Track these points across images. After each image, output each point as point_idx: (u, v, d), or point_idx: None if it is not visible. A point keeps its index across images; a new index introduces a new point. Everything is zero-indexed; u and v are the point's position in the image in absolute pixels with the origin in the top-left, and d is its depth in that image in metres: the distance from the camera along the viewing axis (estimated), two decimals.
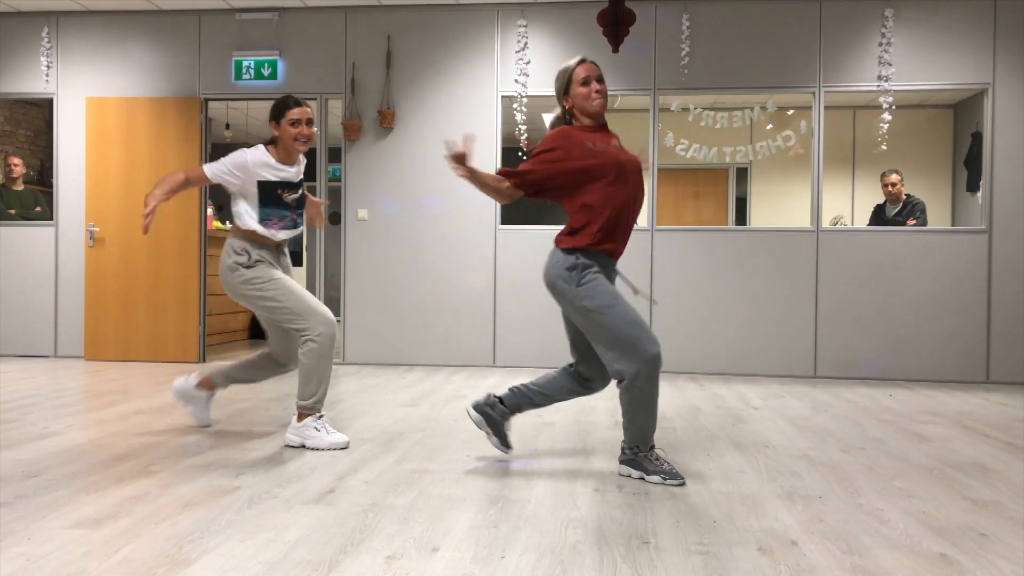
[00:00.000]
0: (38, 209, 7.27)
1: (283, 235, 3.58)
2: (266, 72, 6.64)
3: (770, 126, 7.70)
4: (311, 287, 12.29)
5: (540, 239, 6.43)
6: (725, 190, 9.61)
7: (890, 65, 6.10)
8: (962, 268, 6.06)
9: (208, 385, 3.81)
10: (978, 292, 6.03)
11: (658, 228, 6.36)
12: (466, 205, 6.48)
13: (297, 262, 12.75)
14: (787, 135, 6.38)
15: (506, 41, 6.47)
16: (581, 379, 3.20)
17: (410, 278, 6.54)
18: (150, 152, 6.65)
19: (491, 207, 6.44)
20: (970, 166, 8.03)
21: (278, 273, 3.53)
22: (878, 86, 6.13)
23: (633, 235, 6.38)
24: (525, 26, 6.42)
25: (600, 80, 3.05)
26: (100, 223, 6.65)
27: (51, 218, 7.00)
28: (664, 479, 2.92)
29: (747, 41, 6.26)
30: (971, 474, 3.15)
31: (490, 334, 6.45)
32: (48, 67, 6.84)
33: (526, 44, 6.42)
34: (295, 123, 3.46)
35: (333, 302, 6.90)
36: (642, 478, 2.98)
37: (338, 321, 6.70)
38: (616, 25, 5.08)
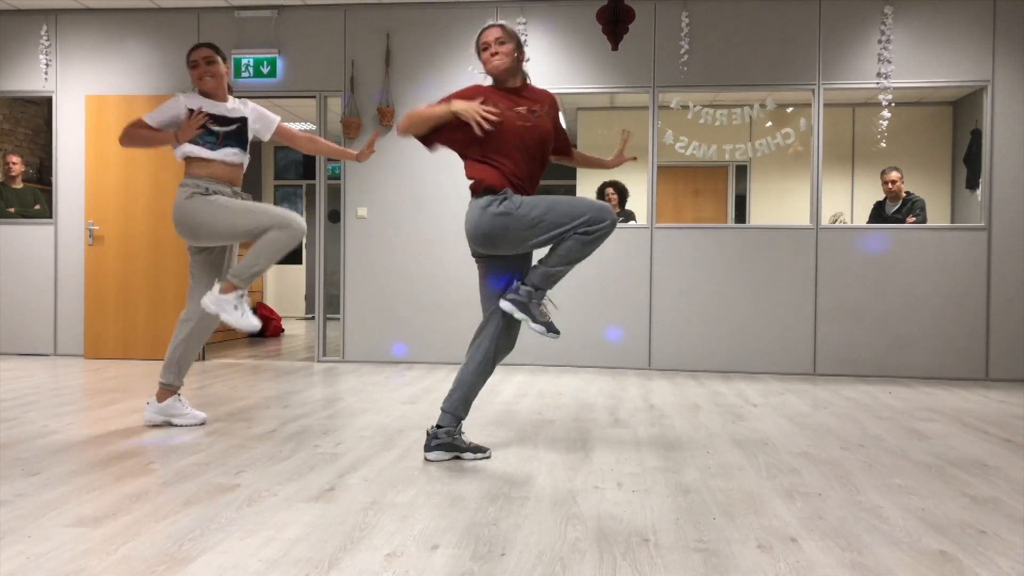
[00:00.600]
0: (37, 207, 7.27)
1: (196, 151, 3.74)
2: (265, 70, 6.63)
3: (769, 124, 7.70)
4: (310, 285, 12.31)
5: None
6: (725, 188, 9.60)
7: (890, 62, 6.10)
8: (961, 266, 6.06)
9: (165, 393, 3.85)
10: (977, 289, 6.03)
11: (657, 226, 6.35)
12: (466, 202, 6.47)
13: (296, 260, 12.76)
14: (786, 132, 6.38)
15: None
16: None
17: (410, 275, 6.54)
18: (149, 150, 6.63)
19: None
20: (969, 163, 8.03)
21: (223, 196, 3.75)
22: (877, 83, 6.13)
23: (633, 232, 6.38)
24: (524, 23, 6.42)
25: (500, 42, 3.26)
26: (99, 221, 6.65)
27: (50, 216, 7.00)
28: (545, 331, 3.16)
29: (746, 38, 6.26)
30: (970, 471, 3.15)
31: None
32: (47, 65, 6.83)
33: (525, 41, 6.41)
34: (194, 65, 3.78)
35: (333, 300, 6.90)
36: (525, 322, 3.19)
37: (338, 319, 6.72)
38: (615, 23, 5.08)
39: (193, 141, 3.74)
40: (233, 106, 3.91)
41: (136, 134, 3.69)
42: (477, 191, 3.20)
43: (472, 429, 3.86)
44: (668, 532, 2.35)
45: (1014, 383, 5.87)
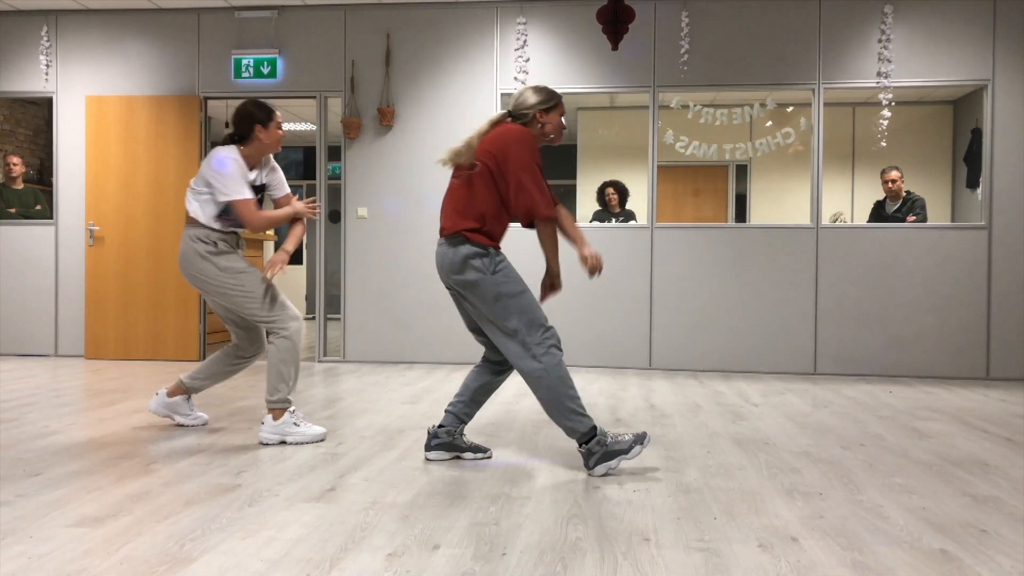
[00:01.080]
0: (38, 208, 7.27)
1: (231, 227, 3.63)
2: (265, 70, 6.64)
3: (770, 123, 7.70)
4: (311, 285, 12.31)
5: (535, 236, 6.41)
6: (725, 187, 9.60)
7: (890, 62, 6.10)
8: (962, 264, 6.06)
9: (178, 390, 3.83)
10: (978, 288, 6.03)
11: (658, 225, 6.35)
12: None
13: (297, 260, 12.75)
14: (787, 132, 6.38)
15: (506, 38, 6.47)
16: (492, 364, 3.26)
17: (410, 275, 6.54)
18: (149, 150, 6.64)
19: None
20: (970, 162, 8.02)
21: (249, 264, 3.61)
22: (878, 83, 6.13)
23: (633, 232, 6.38)
24: (524, 23, 6.42)
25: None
26: (100, 222, 6.65)
27: (51, 217, 7.00)
28: (631, 449, 3.02)
29: (746, 38, 6.26)
30: (971, 470, 3.15)
31: None
32: (47, 66, 6.83)
33: (525, 42, 6.42)
34: (280, 126, 3.65)
35: (333, 300, 6.90)
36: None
37: (338, 319, 6.72)
38: (615, 23, 5.08)
39: (223, 214, 3.56)
40: (259, 173, 3.69)
41: (268, 218, 3.55)
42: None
43: (472, 429, 3.86)
44: (669, 532, 2.35)
45: (1015, 382, 5.87)
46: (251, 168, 3.61)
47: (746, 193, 9.37)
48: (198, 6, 6.65)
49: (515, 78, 6.42)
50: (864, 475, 3.06)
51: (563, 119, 3.17)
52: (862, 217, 8.57)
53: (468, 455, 3.24)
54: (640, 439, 3.03)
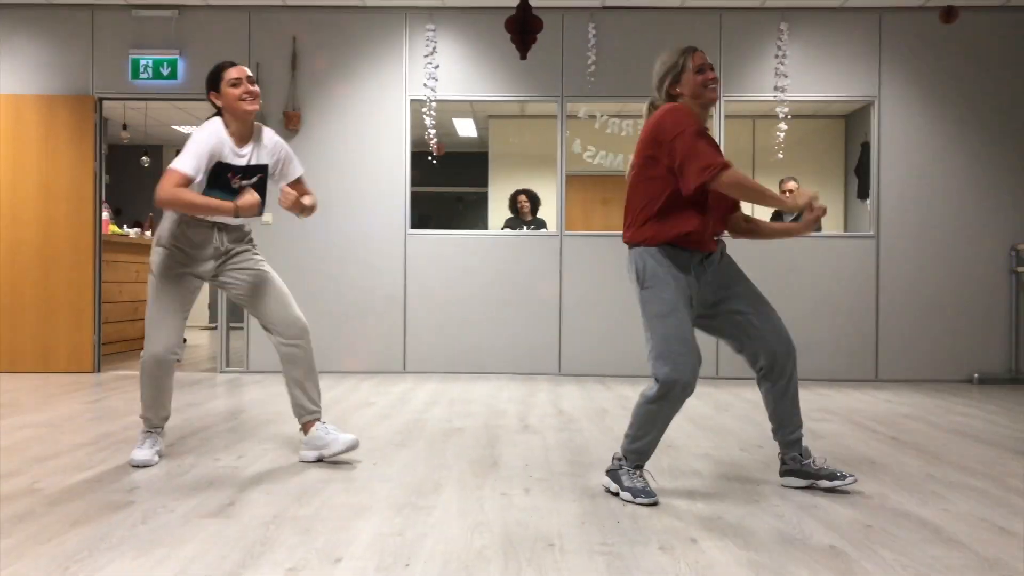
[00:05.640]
0: None
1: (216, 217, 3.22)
2: (165, 71, 6.41)
3: None
4: (213, 293, 11.92)
5: (450, 244, 6.42)
6: None
7: (786, 77, 6.36)
8: (853, 272, 6.36)
9: (309, 425, 3.36)
10: (867, 294, 6.34)
11: (567, 233, 6.44)
12: (374, 209, 6.41)
13: None
14: None
15: (415, 45, 6.44)
16: (759, 373, 2.97)
17: (317, 283, 6.42)
18: (39, 152, 6.32)
19: (400, 211, 6.38)
20: (860, 174, 8.43)
21: (176, 268, 3.21)
22: (774, 96, 6.38)
23: (542, 239, 6.45)
24: (434, 30, 6.41)
25: (712, 68, 2.86)
26: None
27: None
28: (633, 497, 2.74)
29: (651, 50, 6.41)
30: (859, 468, 3.30)
31: (400, 340, 6.40)
32: None
33: (435, 48, 6.41)
34: (235, 83, 3.15)
35: (236, 309, 6.71)
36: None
37: (242, 328, 6.54)
38: (524, 32, 5.13)
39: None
40: (257, 153, 3.27)
41: (188, 202, 3.05)
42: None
43: (381, 440, 3.82)
44: (573, 536, 2.38)
45: (901, 383, 6.19)
46: (240, 145, 3.20)
47: None
48: (92, 3, 6.38)
49: (424, 84, 6.40)
50: (761, 476, 3.17)
51: (701, 69, 2.80)
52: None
53: (823, 483, 2.88)
54: (648, 496, 2.73)
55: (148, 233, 8.70)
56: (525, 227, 7.20)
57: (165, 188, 3.00)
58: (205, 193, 3.13)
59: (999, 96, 6.33)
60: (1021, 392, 5.78)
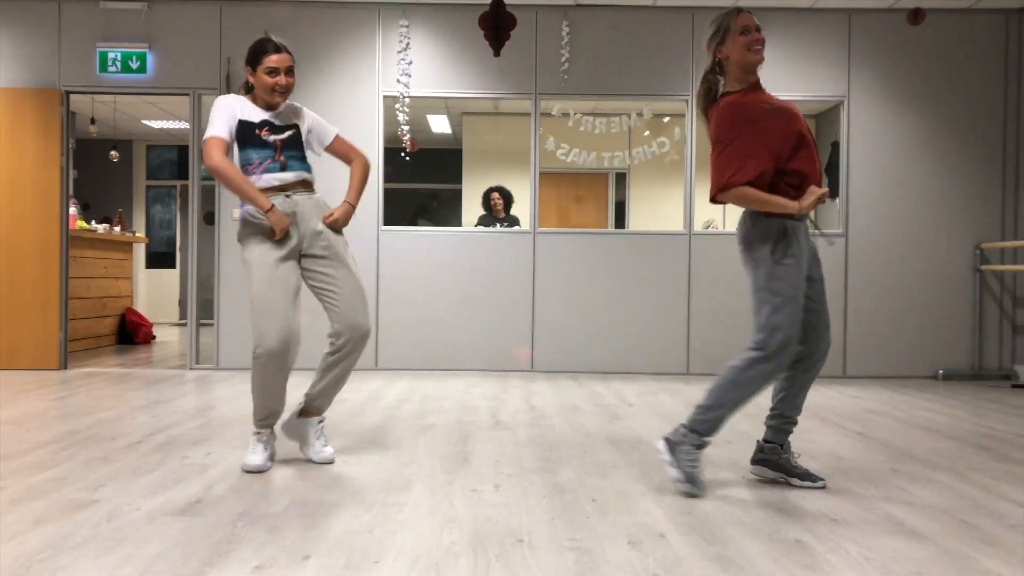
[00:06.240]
0: None
1: (266, 179, 3.15)
2: (134, 65, 6.33)
3: (647, 133, 7.94)
4: (183, 289, 11.80)
5: (423, 239, 6.40)
6: (605, 194, 9.84)
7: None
8: (823, 269, 6.41)
9: (307, 413, 3.37)
10: (836, 291, 6.41)
11: (540, 231, 6.45)
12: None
13: (169, 264, 12.21)
14: (662, 141, 6.60)
15: (388, 41, 6.41)
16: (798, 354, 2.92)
17: None
18: (5, 146, 6.21)
19: (373, 207, 6.35)
20: (831, 173, 8.53)
21: (267, 261, 3.11)
22: None
23: (516, 237, 6.45)
24: (407, 26, 6.38)
25: (758, 28, 2.85)
26: None
27: None
28: (684, 480, 2.78)
29: (624, 49, 6.44)
30: (826, 463, 3.34)
31: (372, 336, 6.37)
32: None
33: (408, 44, 6.38)
34: (272, 72, 3.11)
35: (207, 305, 6.65)
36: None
37: (211, 325, 6.47)
38: (497, 29, 5.12)
39: (247, 161, 3.16)
40: (287, 113, 3.27)
41: (229, 174, 3.07)
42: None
43: (352, 437, 3.80)
44: (543, 532, 2.39)
45: (868, 379, 6.27)
46: (265, 109, 3.20)
47: (625, 200, 9.64)
48: None
49: (398, 80, 6.37)
50: (729, 471, 3.20)
51: (746, 30, 2.81)
52: (733, 224, 8.97)
53: (796, 481, 2.92)
54: (699, 488, 2.79)
55: (117, 229, 8.58)
56: (498, 224, 7.20)
57: (212, 157, 3.07)
58: (242, 154, 3.14)
59: (965, 97, 6.43)
60: (984, 388, 5.89)
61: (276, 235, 3.12)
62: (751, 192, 2.76)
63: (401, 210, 11.14)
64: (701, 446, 2.85)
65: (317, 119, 3.39)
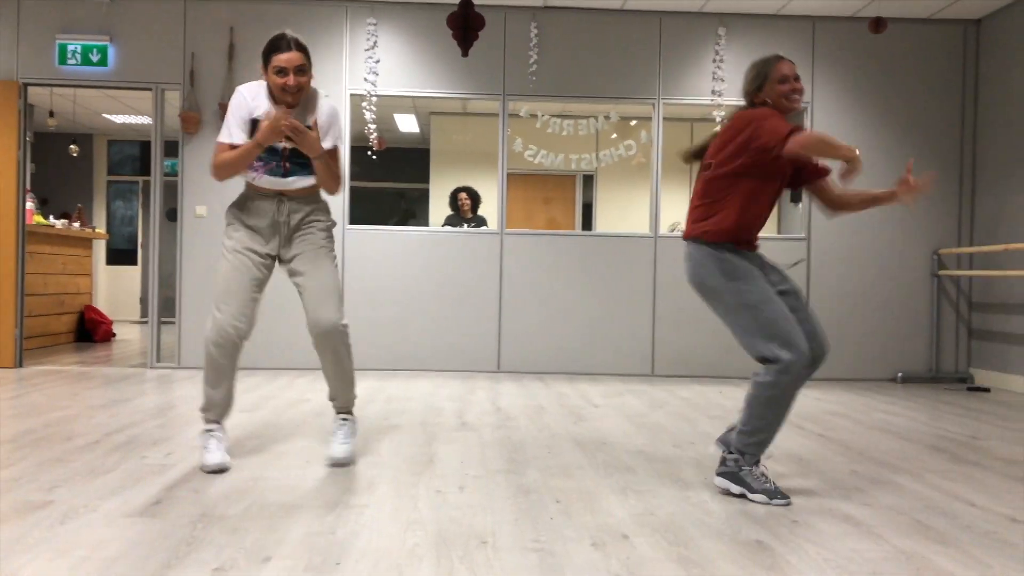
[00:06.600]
0: None
1: (267, 180, 3.09)
2: (95, 58, 6.21)
3: (614, 135, 7.99)
4: (145, 286, 11.61)
5: (390, 239, 6.37)
6: (573, 196, 9.88)
7: (723, 80, 6.48)
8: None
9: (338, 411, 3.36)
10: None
11: (507, 232, 6.45)
12: None
13: (130, 261, 12.01)
14: (629, 144, 6.64)
15: (355, 39, 6.37)
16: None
17: None
18: None
19: (338, 206, 6.30)
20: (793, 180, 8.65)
21: (240, 248, 3.09)
22: (712, 100, 6.50)
23: (483, 238, 6.44)
24: (375, 24, 6.34)
25: (798, 79, 2.88)
26: None
27: None
28: (769, 499, 2.76)
29: (592, 51, 6.47)
30: (787, 464, 3.38)
31: None
32: None
33: (376, 43, 6.34)
34: (281, 72, 2.97)
35: (169, 303, 6.55)
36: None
37: (173, 323, 6.37)
38: (466, 29, 5.12)
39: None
40: (304, 114, 3.11)
41: (226, 161, 2.99)
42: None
43: (315, 437, 3.77)
44: (507, 533, 2.38)
45: (829, 382, 6.37)
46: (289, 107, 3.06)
47: (592, 202, 9.68)
48: None
49: (365, 79, 6.34)
50: (692, 472, 3.22)
51: (784, 79, 2.83)
52: None
53: (759, 498, 2.79)
54: (783, 497, 2.77)
55: (76, 224, 8.41)
56: (466, 225, 7.19)
57: (212, 162, 3.05)
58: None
59: (925, 105, 6.56)
60: (941, 390, 6.01)
61: (272, 138, 2.95)
62: (815, 133, 2.69)
63: (367, 209, 11.07)
64: (759, 462, 2.86)
65: (329, 120, 3.15)
